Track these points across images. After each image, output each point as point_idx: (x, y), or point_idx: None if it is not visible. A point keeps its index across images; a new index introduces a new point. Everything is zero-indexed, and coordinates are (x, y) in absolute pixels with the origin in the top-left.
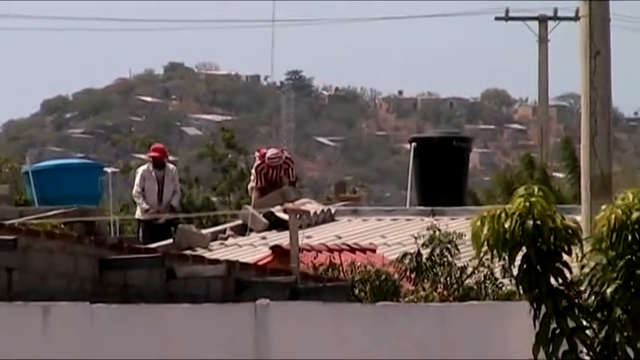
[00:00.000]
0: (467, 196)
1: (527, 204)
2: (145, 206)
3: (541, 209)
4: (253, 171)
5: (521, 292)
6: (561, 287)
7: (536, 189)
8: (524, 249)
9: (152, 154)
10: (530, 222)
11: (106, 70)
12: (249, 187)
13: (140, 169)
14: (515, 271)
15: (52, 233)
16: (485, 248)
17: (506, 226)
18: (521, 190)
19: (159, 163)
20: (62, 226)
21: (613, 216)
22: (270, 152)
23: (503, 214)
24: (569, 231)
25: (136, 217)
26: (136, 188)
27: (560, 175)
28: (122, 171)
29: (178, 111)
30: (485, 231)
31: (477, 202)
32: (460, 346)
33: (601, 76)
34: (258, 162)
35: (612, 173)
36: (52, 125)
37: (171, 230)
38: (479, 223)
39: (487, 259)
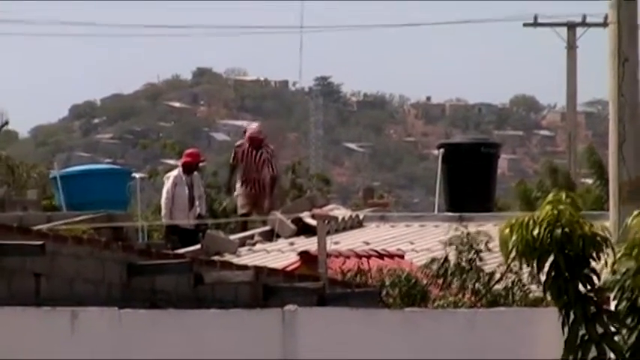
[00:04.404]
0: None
1: (556, 212)
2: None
3: (569, 217)
4: (232, 151)
5: (549, 298)
6: (590, 294)
7: (564, 196)
8: (552, 256)
9: (184, 159)
10: (559, 230)
11: (134, 76)
12: (235, 194)
13: (171, 175)
14: (543, 278)
15: (79, 238)
16: (513, 255)
17: (535, 233)
18: (549, 197)
19: (190, 168)
20: (90, 231)
21: None
22: (253, 126)
23: (531, 222)
24: (598, 238)
25: (163, 222)
26: (166, 195)
27: (589, 181)
28: (150, 176)
29: (206, 116)
30: (513, 238)
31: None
32: (488, 352)
33: (629, 82)
34: (239, 142)
35: None
36: (80, 130)
37: (199, 236)
38: (507, 230)
39: (515, 266)
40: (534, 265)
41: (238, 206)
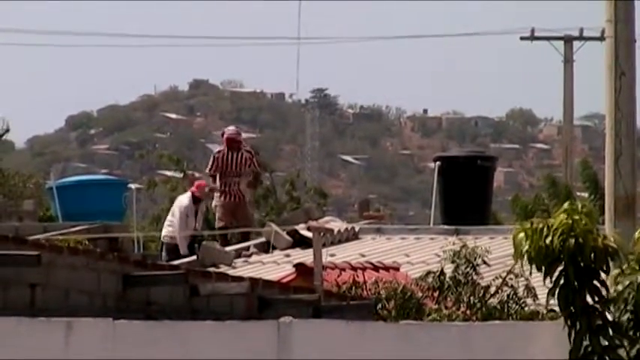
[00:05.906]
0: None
1: (570, 221)
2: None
3: (584, 226)
4: (211, 159)
5: (556, 307)
6: (596, 305)
7: (579, 205)
8: (562, 264)
9: (194, 190)
10: (572, 240)
11: (131, 87)
12: (213, 205)
13: (182, 205)
14: (549, 287)
15: (75, 249)
16: (525, 260)
17: (547, 241)
18: (565, 205)
19: (199, 199)
20: (86, 242)
21: None
22: (230, 128)
23: (545, 229)
24: (610, 250)
25: (162, 237)
26: (179, 226)
27: (585, 194)
28: (149, 187)
29: (203, 128)
30: (526, 243)
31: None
32: None
33: (626, 96)
34: (218, 149)
35: (636, 194)
36: (77, 141)
37: (195, 247)
38: (521, 234)
39: (511, 279)
40: (542, 271)
41: (216, 218)
